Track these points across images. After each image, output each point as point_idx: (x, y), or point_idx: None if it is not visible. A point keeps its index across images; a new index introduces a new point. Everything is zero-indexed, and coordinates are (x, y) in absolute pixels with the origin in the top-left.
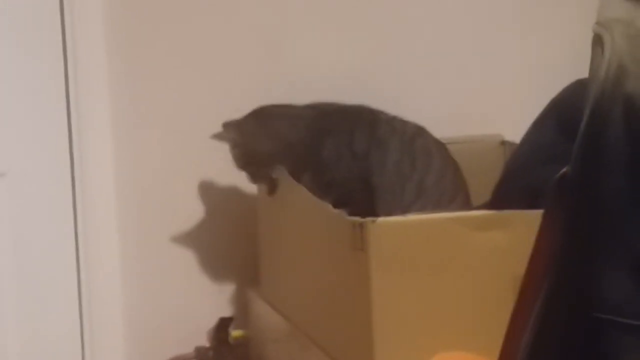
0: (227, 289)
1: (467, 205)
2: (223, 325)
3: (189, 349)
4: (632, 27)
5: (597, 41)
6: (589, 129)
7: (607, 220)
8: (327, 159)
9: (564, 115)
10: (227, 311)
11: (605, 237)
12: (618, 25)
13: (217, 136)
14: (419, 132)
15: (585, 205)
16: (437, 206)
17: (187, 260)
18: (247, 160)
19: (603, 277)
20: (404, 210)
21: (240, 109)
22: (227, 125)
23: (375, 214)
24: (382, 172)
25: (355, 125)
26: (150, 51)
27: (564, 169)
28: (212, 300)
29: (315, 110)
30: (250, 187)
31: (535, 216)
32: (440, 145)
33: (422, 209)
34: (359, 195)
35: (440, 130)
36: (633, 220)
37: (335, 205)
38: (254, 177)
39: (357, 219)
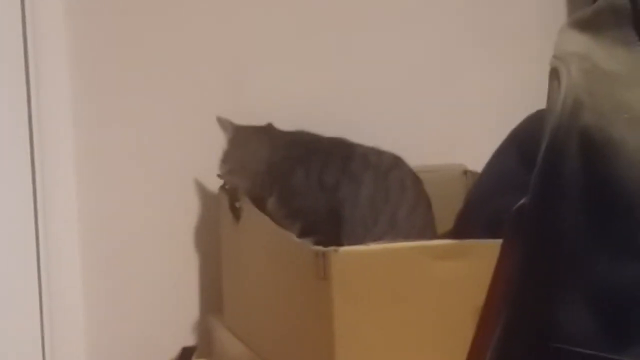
0: (190, 318)
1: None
2: (186, 354)
3: None
4: (588, 61)
5: (554, 74)
6: (546, 161)
7: (563, 252)
8: (295, 187)
9: (524, 146)
10: (190, 340)
11: (561, 268)
12: (574, 59)
13: (220, 122)
14: (395, 164)
15: (542, 237)
16: (407, 239)
17: (149, 288)
18: (233, 161)
19: (560, 307)
20: (374, 242)
21: (206, 143)
22: (226, 123)
23: (340, 244)
24: (354, 206)
25: (328, 157)
26: (117, 82)
27: (523, 200)
28: (175, 330)
29: (293, 137)
30: (214, 215)
31: (495, 245)
32: (415, 179)
33: (392, 241)
34: (325, 226)
35: (403, 159)
36: (588, 253)
37: (301, 234)
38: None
39: (320, 248)
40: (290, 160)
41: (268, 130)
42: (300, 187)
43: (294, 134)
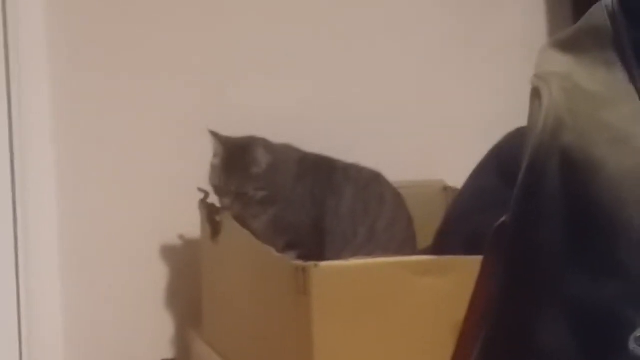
0: (169, 330)
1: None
2: None
3: None
4: (569, 81)
5: (535, 94)
6: (527, 179)
7: (543, 269)
8: (294, 204)
9: (504, 163)
10: (168, 353)
11: (541, 285)
12: (555, 78)
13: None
14: (374, 178)
15: (522, 254)
16: (386, 251)
17: (128, 300)
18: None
19: (539, 324)
20: (354, 253)
21: (188, 154)
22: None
23: (323, 257)
24: (335, 218)
25: (317, 173)
26: (99, 87)
27: (503, 218)
28: (154, 342)
29: (297, 154)
30: (195, 227)
31: (475, 262)
32: (395, 194)
33: (371, 253)
34: (309, 238)
35: (383, 175)
36: (568, 270)
37: (286, 247)
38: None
39: (300, 263)
40: (295, 178)
41: (298, 159)
42: (298, 204)
43: (296, 150)
